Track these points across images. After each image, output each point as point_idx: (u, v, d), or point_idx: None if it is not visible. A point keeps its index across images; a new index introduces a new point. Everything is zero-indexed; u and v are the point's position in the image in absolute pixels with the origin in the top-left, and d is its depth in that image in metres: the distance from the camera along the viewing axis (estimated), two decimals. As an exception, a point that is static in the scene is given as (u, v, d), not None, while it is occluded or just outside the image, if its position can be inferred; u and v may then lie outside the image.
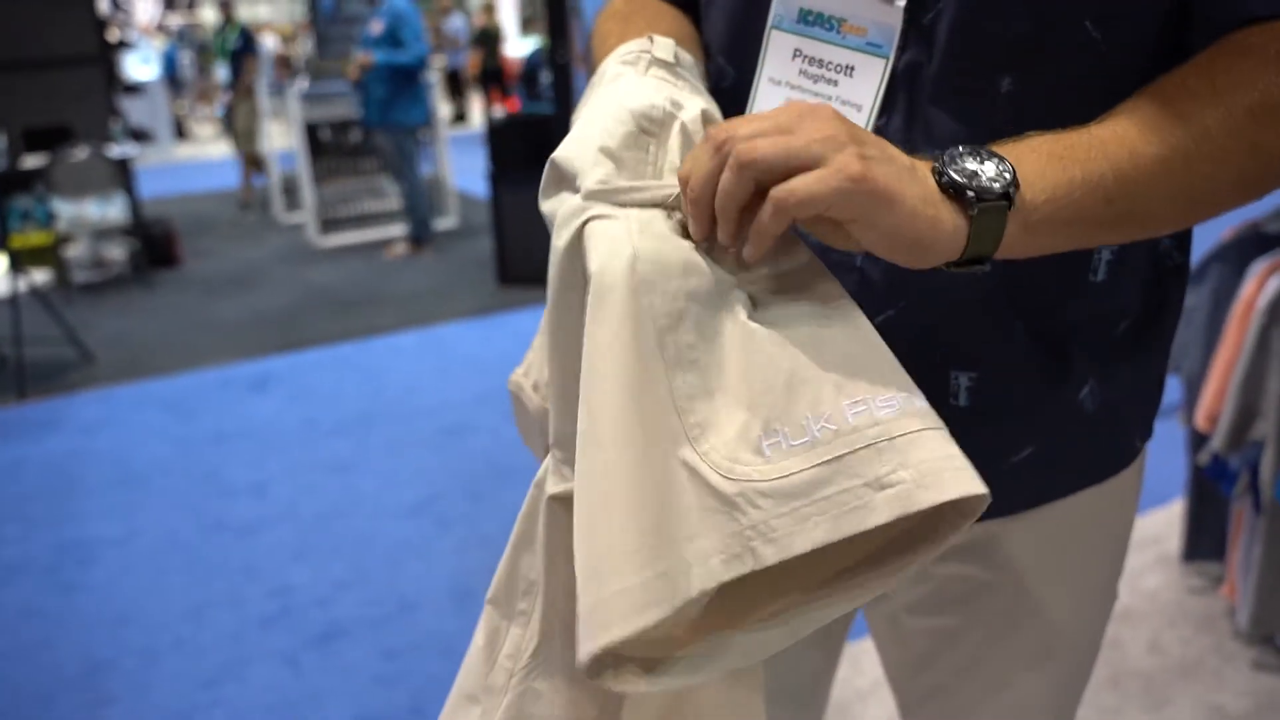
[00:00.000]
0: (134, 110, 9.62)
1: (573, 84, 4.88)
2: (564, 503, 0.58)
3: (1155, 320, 0.75)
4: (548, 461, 0.61)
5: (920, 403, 0.51)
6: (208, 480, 3.01)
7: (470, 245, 6.01)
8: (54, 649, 2.20)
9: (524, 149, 4.88)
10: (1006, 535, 0.77)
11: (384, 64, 5.31)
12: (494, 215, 5.00)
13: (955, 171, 0.53)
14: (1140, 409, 0.79)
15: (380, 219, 6.41)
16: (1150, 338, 0.75)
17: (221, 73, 7.91)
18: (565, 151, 0.59)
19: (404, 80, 5.43)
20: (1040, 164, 0.55)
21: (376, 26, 5.38)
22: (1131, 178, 0.56)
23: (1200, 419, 1.91)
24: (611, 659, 0.49)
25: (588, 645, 0.47)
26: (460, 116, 11.90)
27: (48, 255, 5.13)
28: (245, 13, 12.71)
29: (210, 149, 10.97)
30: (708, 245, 0.55)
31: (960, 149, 0.54)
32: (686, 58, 0.71)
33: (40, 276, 5.09)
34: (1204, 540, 2.19)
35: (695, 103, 0.63)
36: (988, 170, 0.53)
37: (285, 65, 10.52)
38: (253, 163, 7.39)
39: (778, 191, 0.50)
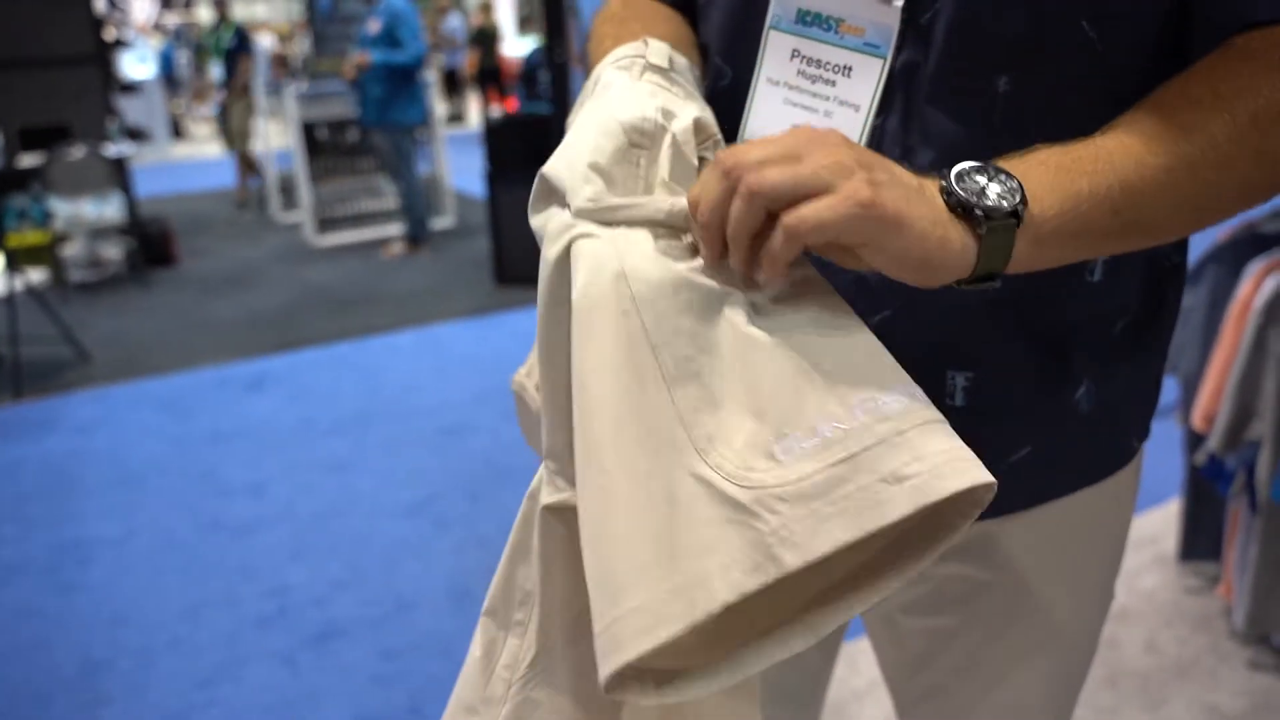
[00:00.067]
0: (131, 109, 9.60)
1: (570, 84, 4.88)
2: (559, 513, 0.59)
3: (1153, 320, 0.75)
4: (541, 472, 0.61)
5: (923, 398, 0.51)
6: (204, 480, 3.01)
7: (467, 245, 6.00)
8: (51, 649, 2.19)
9: (521, 149, 4.88)
10: (1004, 535, 0.77)
11: (381, 64, 5.30)
12: (491, 215, 5.00)
13: (963, 190, 0.53)
14: (1137, 409, 0.79)
15: (377, 218, 6.40)
16: (1148, 338, 0.75)
17: (216, 72, 7.88)
18: (554, 167, 0.59)
19: (401, 80, 5.42)
20: (1047, 178, 0.55)
21: (374, 26, 5.38)
22: (1138, 188, 0.56)
23: (1197, 419, 1.91)
24: (632, 672, 0.49)
25: (606, 665, 0.47)
26: (456, 117, 11.89)
27: (44, 254, 5.13)
28: (242, 12, 12.70)
29: (207, 148, 10.95)
30: (698, 263, 0.55)
31: (967, 166, 0.54)
32: (681, 61, 0.71)
33: (36, 275, 5.09)
34: (1200, 540, 2.19)
35: (688, 111, 0.63)
36: (995, 188, 0.53)
37: (282, 64, 10.51)
38: (246, 163, 7.37)
39: (789, 219, 0.50)
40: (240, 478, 3.01)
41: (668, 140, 0.60)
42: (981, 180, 0.53)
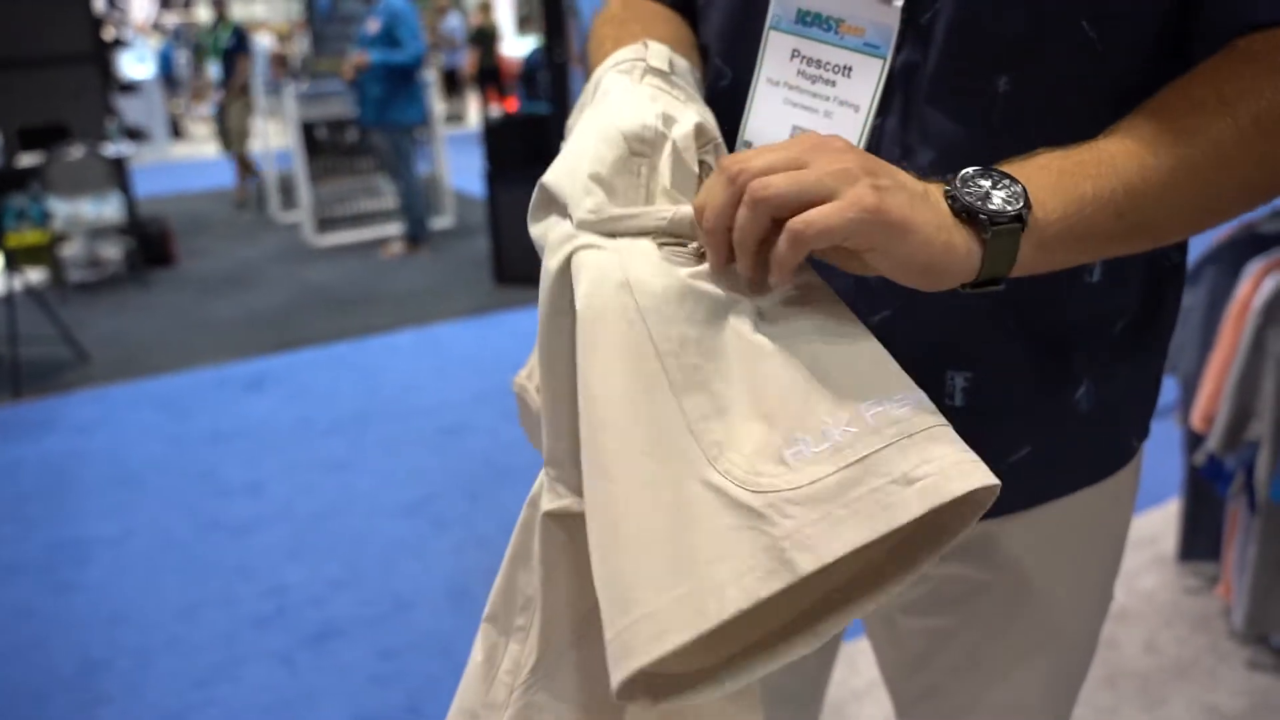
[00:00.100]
0: (130, 109, 9.59)
1: (569, 84, 4.88)
2: (560, 520, 0.59)
3: (1152, 320, 0.75)
4: (541, 478, 0.61)
5: (927, 403, 0.52)
6: (203, 480, 3.01)
7: (467, 244, 6.00)
8: (49, 648, 2.19)
9: (521, 148, 4.88)
10: (1003, 535, 0.77)
11: (380, 63, 5.30)
12: (490, 214, 5.00)
13: (968, 195, 0.53)
14: (1137, 409, 0.79)
15: (376, 218, 6.40)
16: (1148, 338, 0.75)
17: (214, 71, 7.85)
18: (555, 177, 0.59)
19: (401, 79, 5.42)
20: (1050, 182, 0.55)
21: (373, 25, 5.38)
22: (1141, 191, 0.57)
23: (1196, 419, 1.91)
24: (642, 678, 0.49)
25: (618, 671, 0.47)
26: (455, 117, 11.88)
27: (43, 254, 5.12)
28: (241, 11, 12.69)
29: (206, 148, 10.94)
30: (702, 269, 0.55)
31: (971, 171, 0.54)
32: (682, 64, 0.71)
33: (35, 275, 5.08)
34: (1199, 540, 2.19)
35: (689, 116, 0.63)
36: (999, 192, 0.53)
37: (281, 64, 10.51)
38: (244, 164, 7.36)
39: (795, 224, 0.50)
40: (239, 477, 3.01)
41: (668, 148, 0.60)
42: (985, 184, 0.54)
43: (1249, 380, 1.80)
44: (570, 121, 0.69)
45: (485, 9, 11.16)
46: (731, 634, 0.50)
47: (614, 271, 0.53)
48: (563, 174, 0.59)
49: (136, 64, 10.91)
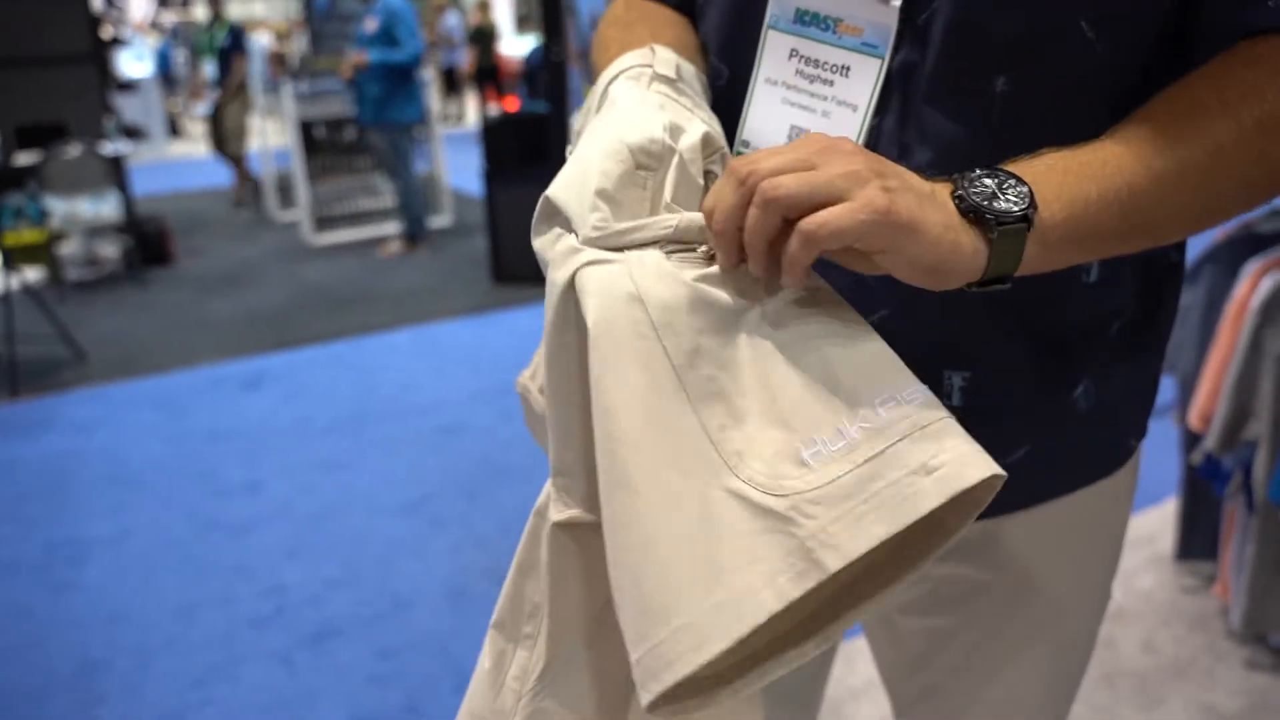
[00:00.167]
0: (128, 107, 9.57)
1: (568, 83, 4.88)
2: (568, 530, 0.60)
3: (1151, 320, 0.75)
4: (548, 488, 0.62)
5: (933, 395, 0.53)
6: (201, 479, 3.00)
7: (465, 243, 6.00)
8: (47, 648, 2.19)
9: (519, 147, 4.88)
10: (1002, 534, 0.77)
11: (379, 63, 5.30)
12: (489, 213, 5.00)
13: (975, 195, 0.54)
14: (1136, 408, 0.79)
15: (375, 217, 6.39)
16: (1146, 337, 0.75)
17: (209, 70, 7.82)
18: (560, 191, 0.59)
19: (399, 78, 5.42)
20: (1056, 182, 0.56)
21: (371, 24, 5.37)
22: (1145, 192, 0.57)
23: (1194, 419, 1.92)
24: (669, 689, 0.50)
25: (656, 684, 0.48)
26: (450, 117, 11.87)
27: (41, 253, 5.11)
28: (239, 10, 12.68)
29: (204, 147, 10.91)
30: (714, 275, 0.55)
31: (977, 171, 0.55)
32: (689, 69, 0.71)
33: (33, 274, 5.08)
34: (1197, 540, 2.20)
35: (696, 126, 0.63)
36: (1006, 192, 0.54)
37: (280, 63, 10.49)
38: (237, 163, 7.34)
39: (807, 225, 0.50)
40: (237, 477, 3.01)
41: (675, 161, 0.60)
42: (991, 185, 0.54)
43: (1247, 380, 1.80)
44: (576, 126, 0.69)
45: (484, 8, 11.15)
46: (748, 639, 0.51)
47: (624, 285, 0.54)
48: (568, 188, 0.59)
49: (134, 62, 10.90)
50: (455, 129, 11.01)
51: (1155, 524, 2.41)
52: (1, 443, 3.34)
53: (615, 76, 0.69)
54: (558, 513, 0.60)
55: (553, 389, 0.59)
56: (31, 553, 2.60)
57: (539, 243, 0.60)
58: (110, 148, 5.37)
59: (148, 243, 5.59)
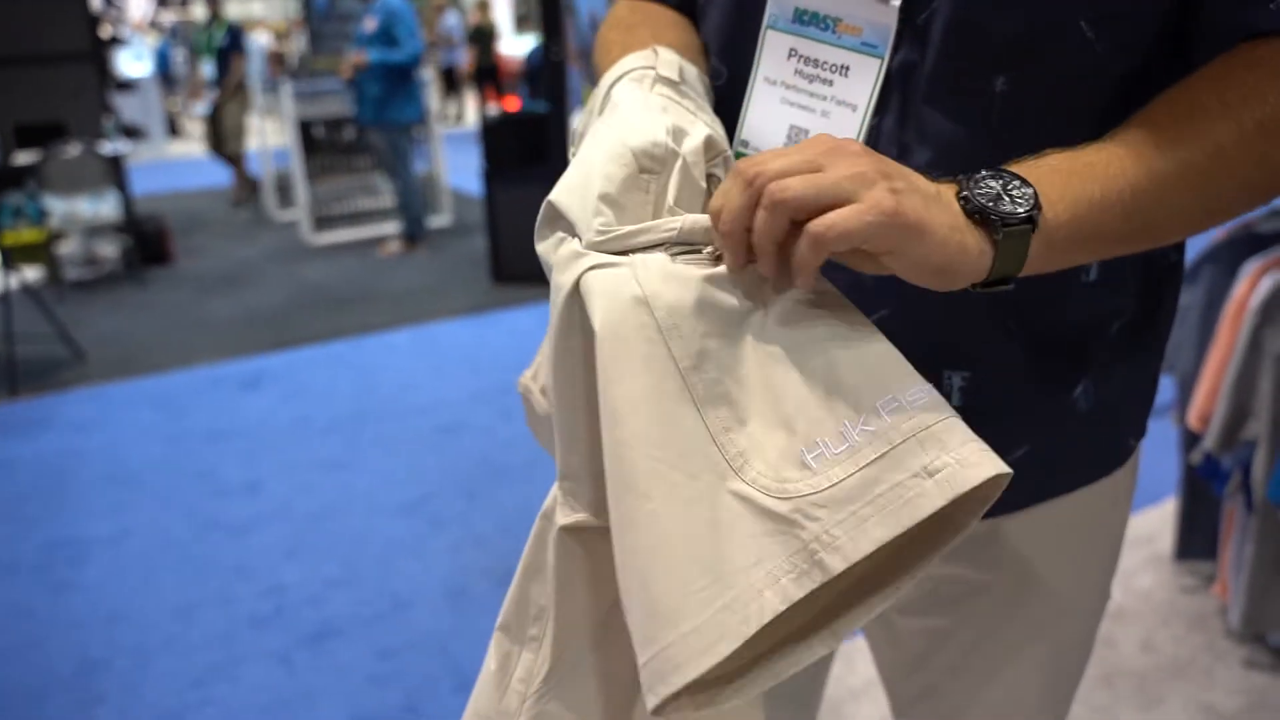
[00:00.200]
0: (127, 107, 9.56)
1: (567, 82, 4.87)
2: (575, 534, 0.60)
3: (1150, 319, 0.75)
4: (555, 492, 0.62)
5: (939, 396, 0.53)
6: (200, 479, 3.00)
7: (464, 243, 6.00)
8: (46, 648, 2.19)
9: (518, 147, 4.88)
10: (1001, 534, 0.77)
11: (378, 62, 5.30)
12: (488, 213, 5.00)
13: (980, 196, 0.54)
14: (1135, 408, 0.79)
15: (374, 216, 6.39)
16: (1146, 337, 0.75)
17: (207, 70, 7.80)
18: (563, 195, 0.59)
19: (398, 78, 5.42)
20: (1061, 183, 0.56)
21: (370, 24, 5.37)
22: (1148, 193, 0.57)
23: (1193, 418, 1.92)
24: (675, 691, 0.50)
25: (665, 686, 0.48)
26: (447, 117, 11.87)
27: (40, 252, 5.11)
28: (238, 10, 12.66)
29: (203, 146, 10.93)
30: (719, 276, 0.56)
31: (983, 172, 0.55)
32: (691, 71, 0.71)
33: (32, 274, 5.07)
34: (1196, 539, 2.20)
35: (698, 129, 0.63)
36: (1011, 194, 0.54)
37: (279, 62, 10.48)
38: (234, 164, 7.32)
39: (815, 227, 0.50)
40: (236, 477, 3.00)
41: (678, 164, 0.60)
42: (996, 186, 0.54)
43: (1246, 379, 1.80)
44: (578, 127, 0.69)
45: (483, 7, 11.14)
46: (754, 639, 0.51)
47: (629, 288, 0.54)
48: (570, 192, 0.59)
49: (134, 62, 10.89)
50: (455, 129, 11.01)
51: (1154, 523, 2.41)
52: (1, 442, 3.34)
53: (618, 78, 0.69)
54: (564, 516, 0.60)
55: (558, 393, 0.59)
56: (31, 552, 2.60)
57: (542, 247, 0.60)
58: (109, 147, 5.36)
59: (147, 242, 5.59)
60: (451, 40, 11.57)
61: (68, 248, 5.48)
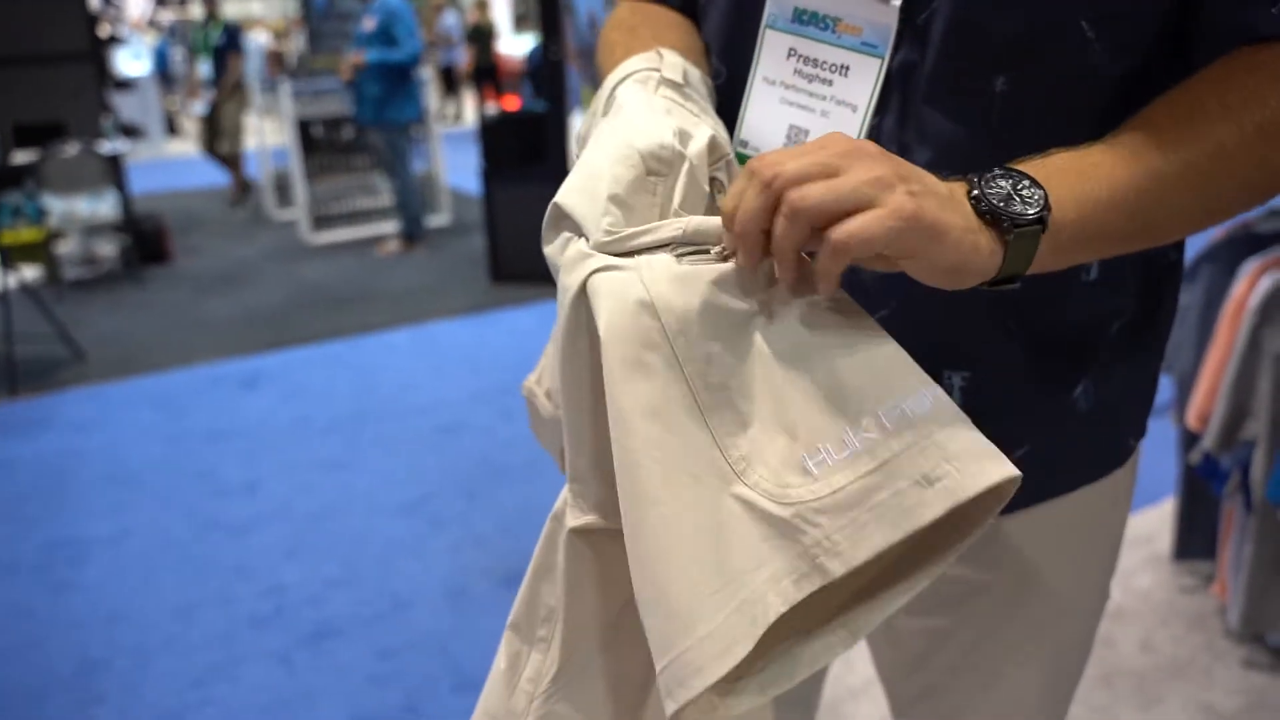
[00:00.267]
0: (125, 106, 9.55)
1: (566, 82, 4.87)
2: (584, 536, 0.60)
3: (1150, 319, 0.75)
4: (565, 494, 0.62)
5: (945, 398, 0.53)
6: (200, 479, 3.00)
7: (463, 242, 6.00)
8: (46, 648, 2.19)
9: (517, 146, 4.87)
10: (1002, 535, 0.77)
11: (377, 62, 5.29)
12: (487, 212, 4.99)
13: (992, 196, 0.54)
14: (1135, 407, 0.79)
15: (373, 216, 6.39)
16: (1146, 336, 0.75)
17: (203, 69, 7.78)
18: (569, 197, 0.59)
19: (398, 78, 5.41)
20: (1069, 183, 0.57)
21: (369, 23, 5.36)
22: (1150, 194, 0.58)
23: (1192, 418, 1.92)
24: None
25: (685, 691, 0.49)
26: (454, 116, 11.86)
27: (38, 252, 5.11)
28: (237, 8, 12.65)
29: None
30: (726, 278, 0.55)
31: (994, 171, 0.55)
32: (694, 74, 0.71)
33: (31, 273, 5.07)
34: (1195, 539, 2.20)
35: (703, 131, 0.63)
36: (1021, 195, 0.54)
37: (278, 61, 10.47)
38: (230, 163, 7.30)
39: (838, 236, 0.50)
40: (236, 476, 3.00)
41: (685, 167, 0.60)
42: (1006, 186, 0.55)
43: (1245, 379, 1.80)
44: (581, 130, 0.69)
45: (482, 7, 11.14)
46: (771, 636, 0.51)
47: (635, 291, 0.54)
48: (577, 192, 0.59)
49: (132, 61, 10.88)
50: (453, 128, 11.00)
51: (1153, 523, 2.42)
52: (0, 442, 3.33)
53: (622, 79, 0.69)
54: (573, 519, 0.60)
55: (565, 395, 0.59)
56: (30, 552, 2.60)
57: (549, 250, 0.60)
58: (108, 146, 5.36)
59: (145, 241, 5.58)
60: (450, 39, 11.56)
61: (66, 247, 5.48)
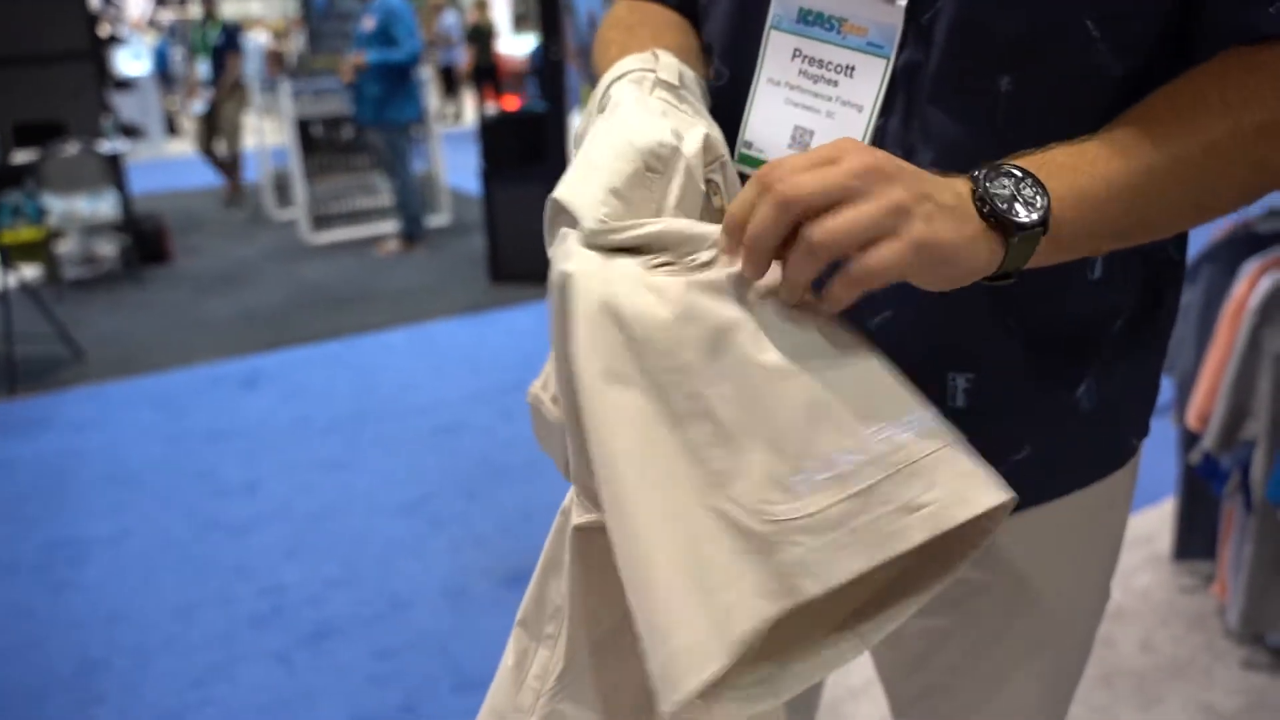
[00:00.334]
0: (125, 106, 9.54)
1: (565, 81, 4.87)
2: (588, 533, 0.60)
3: (1152, 317, 0.75)
4: (572, 492, 0.62)
5: (936, 419, 0.53)
6: (199, 479, 3.00)
7: (463, 242, 6.00)
8: (46, 648, 2.19)
9: (517, 146, 4.87)
10: (1003, 535, 0.77)
11: (377, 62, 5.29)
12: (486, 212, 4.99)
13: (996, 199, 0.54)
14: (1137, 407, 0.79)
15: (372, 216, 6.39)
16: (1147, 335, 0.75)
17: (202, 69, 7.76)
18: (566, 190, 0.59)
19: (397, 78, 5.41)
20: (1068, 180, 0.57)
21: (368, 23, 5.36)
22: (1146, 189, 0.58)
23: (1192, 418, 1.92)
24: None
25: (666, 703, 0.49)
26: (453, 116, 11.86)
27: (38, 251, 5.11)
28: (237, 8, 12.64)
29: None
30: (709, 288, 0.55)
31: (999, 168, 0.55)
32: (689, 75, 0.71)
33: (31, 272, 5.07)
34: (1195, 539, 2.20)
35: (697, 131, 0.63)
36: (1024, 197, 0.55)
37: (277, 61, 10.47)
38: (226, 164, 7.28)
39: (857, 270, 0.51)
40: (235, 476, 3.00)
41: (682, 165, 0.60)
42: (1009, 186, 0.55)
43: (1245, 379, 1.80)
44: (578, 129, 0.69)
45: (481, 7, 11.13)
46: (778, 640, 0.51)
47: (606, 301, 0.53)
48: (574, 184, 0.59)
49: (132, 61, 10.87)
50: (453, 128, 10.99)
51: (1153, 523, 2.42)
52: (0, 442, 3.34)
53: (618, 78, 0.69)
54: (578, 516, 0.60)
55: (561, 393, 0.59)
56: (30, 552, 2.60)
57: (552, 251, 0.60)
58: (108, 146, 5.36)
59: (145, 241, 5.58)
60: (450, 39, 11.55)
61: (66, 247, 5.47)
